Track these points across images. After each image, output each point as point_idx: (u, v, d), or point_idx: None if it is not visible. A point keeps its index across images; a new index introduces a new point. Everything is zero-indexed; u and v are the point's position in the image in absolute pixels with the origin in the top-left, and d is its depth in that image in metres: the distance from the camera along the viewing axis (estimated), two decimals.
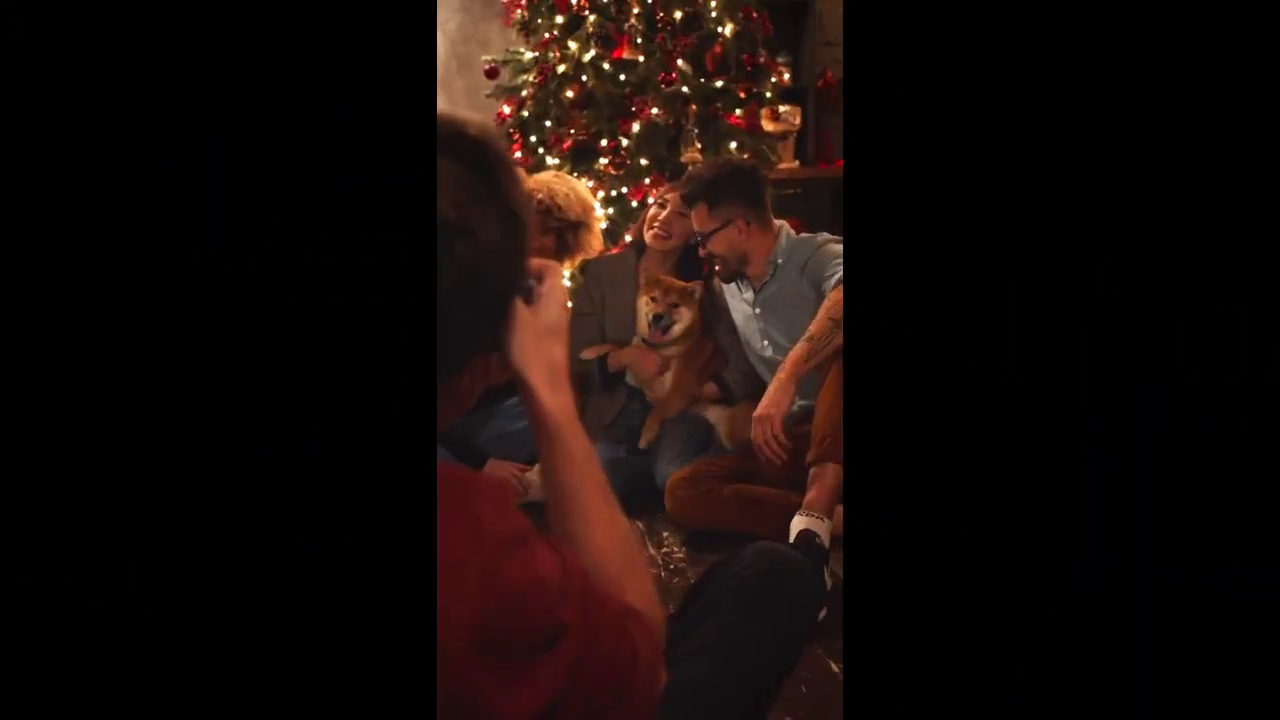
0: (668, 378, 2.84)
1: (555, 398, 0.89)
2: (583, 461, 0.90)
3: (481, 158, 0.79)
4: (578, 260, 3.07)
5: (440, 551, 0.72)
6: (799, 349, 2.27)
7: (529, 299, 0.88)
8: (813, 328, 2.27)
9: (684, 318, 2.78)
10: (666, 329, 2.77)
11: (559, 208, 2.84)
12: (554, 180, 2.94)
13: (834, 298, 2.29)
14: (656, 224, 2.85)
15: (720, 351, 2.88)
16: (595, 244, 2.98)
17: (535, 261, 0.90)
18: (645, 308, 2.81)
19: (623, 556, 0.90)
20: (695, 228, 2.61)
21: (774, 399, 2.25)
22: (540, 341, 0.88)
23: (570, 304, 3.18)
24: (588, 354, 2.93)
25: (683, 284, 2.81)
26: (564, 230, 2.90)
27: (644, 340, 2.85)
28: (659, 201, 2.89)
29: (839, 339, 2.21)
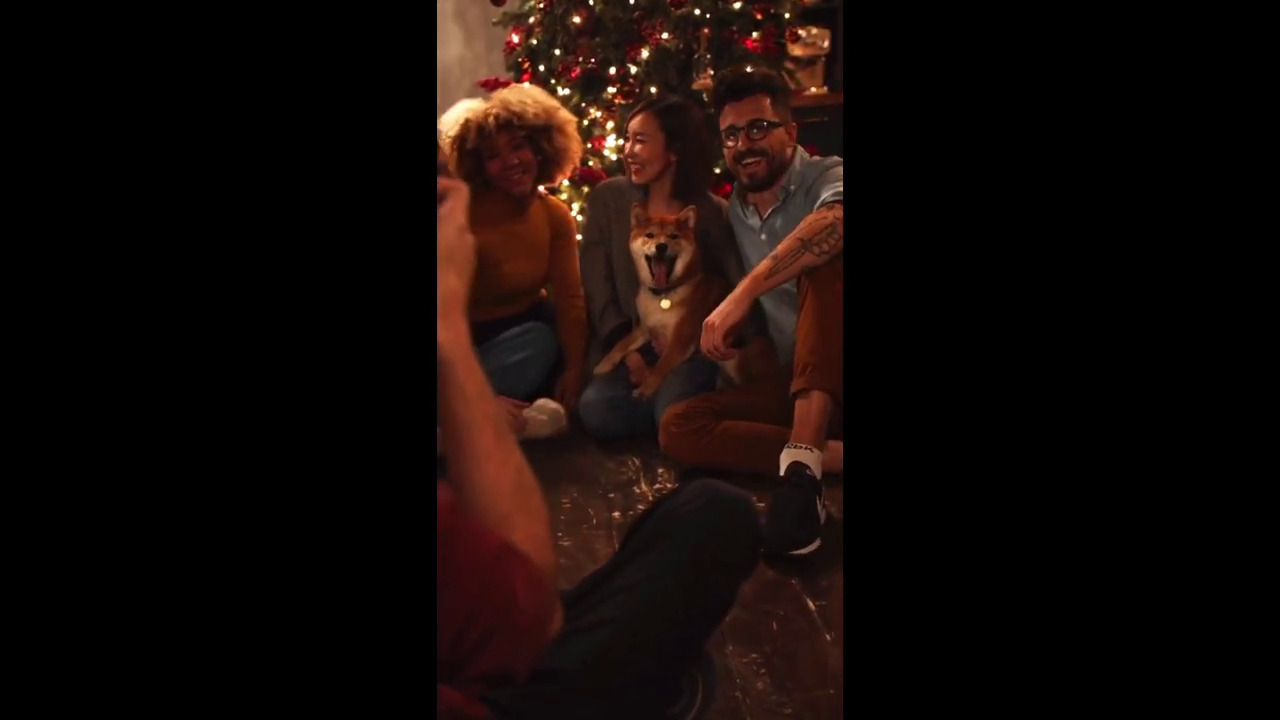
0: (670, 330, 2.73)
1: (446, 330, 0.84)
2: (475, 397, 0.85)
3: None
4: (568, 172, 2.96)
5: None
6: (762, 265, 2.23)
7: None
8: (780, 246, 2.22)
9: (684, 249, 2.67)
10: (672, 261, 2.65)
11: (518, 115, 2.74)
12: (507, 92, 2.84)
13: (807, 220, 2.22)
14: (630, 160, 2.76)
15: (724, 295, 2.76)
16: (574, 147, 2.88)
17: (440, 181, 0.84)
18: (642, 247, 2.68)
19: (514, 497, 0.86)
20: (752, 116, 2.51)
21: (724, 310, 2.24)
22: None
23: (580, 236, 3.06)
24: (602, 368, 2.81)
25: (674, 216, 2.70)
26: (535, 138, 2.79)
27: (649, 289, 2.74)
28: (627, 137, 2.78)
29: (805, 259, 2.17)
